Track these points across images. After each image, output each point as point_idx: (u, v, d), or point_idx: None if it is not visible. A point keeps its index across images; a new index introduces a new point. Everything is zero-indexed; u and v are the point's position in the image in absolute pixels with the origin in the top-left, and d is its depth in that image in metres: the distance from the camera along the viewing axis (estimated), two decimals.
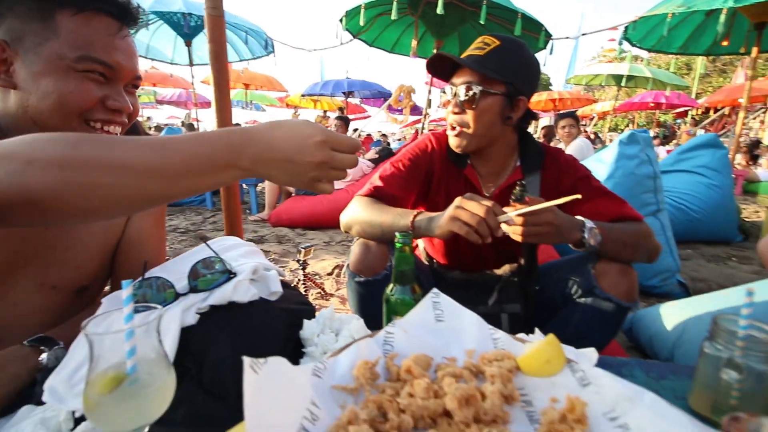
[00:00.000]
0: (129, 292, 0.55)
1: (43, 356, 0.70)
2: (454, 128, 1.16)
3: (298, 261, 2.27)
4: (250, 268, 0.83)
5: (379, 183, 1.19)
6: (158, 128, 11.60)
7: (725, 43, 4.68)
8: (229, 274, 0.80)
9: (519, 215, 0.91)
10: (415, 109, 12.92)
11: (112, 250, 0.92)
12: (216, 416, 0.68)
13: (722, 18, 3.61)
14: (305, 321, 0.87)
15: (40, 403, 0.63)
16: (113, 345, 0.54)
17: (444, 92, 1.17)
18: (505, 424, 0.47)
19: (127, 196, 0.52)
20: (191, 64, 5.69)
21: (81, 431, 0.59)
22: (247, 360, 0.40)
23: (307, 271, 2.33)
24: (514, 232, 0.94)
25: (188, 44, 5.38)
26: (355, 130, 9.02)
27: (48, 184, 0.47)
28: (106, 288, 0.98)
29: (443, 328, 0.63)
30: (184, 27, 4.97)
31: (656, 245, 1.13)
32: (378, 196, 1.17)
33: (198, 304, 0.74)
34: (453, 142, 1.18)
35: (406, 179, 1.21)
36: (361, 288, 1.13)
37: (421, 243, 1.44)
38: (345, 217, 1.16)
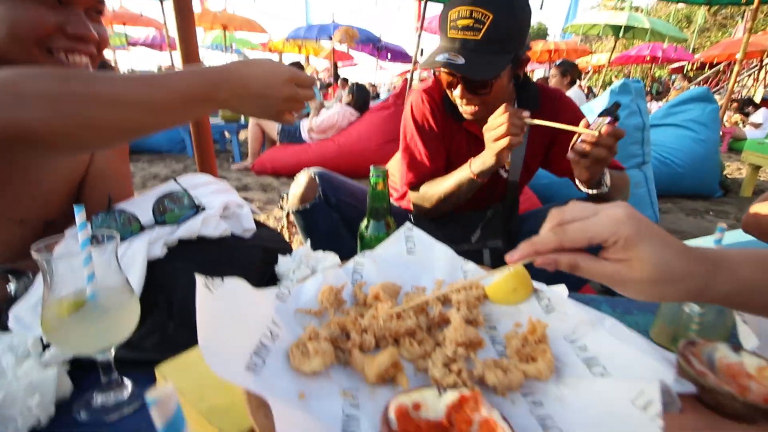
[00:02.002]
0: (82, 219, 0.53)
1: (11, 286, 0.69)
2: (458, 98, 1.14)
3: (281, 207, 2.24)
4: (221, 204, 0.81)
5: (411, 174, 1.25)
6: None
7: None
8: (197, 209, 0.78)
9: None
10: (404, 57, 12.38)
11: (78, 185, 0.91)
12: (188, 343, 0.68)
13: None
14: (280, 257, 0.86)
15: (7, 330, 0.62)
16: (71, 270, 0.53)
17: (441, 72, 1.12)
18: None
19: (116, 128, 0.55)
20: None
21: (51, 355, 0.59)
22: (200, 279, 0.38)
23: (291, 218, 2.31)
24: (586, 148, 0.93)
25: None
26: (345, 80, 8.66)
27: (38, 117, 0.48)
28: None
29: (414, 261, 0.63)
30: None
31: (628, 195, 1.20)
32: (422, 181, 1.24)
33: (165, 237, 0.72)
34: (469, 116, 1.18)
35: (430, 150, 1.23)
36: (301, 218, 1.40)
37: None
38: (416, 211, 1.27)
